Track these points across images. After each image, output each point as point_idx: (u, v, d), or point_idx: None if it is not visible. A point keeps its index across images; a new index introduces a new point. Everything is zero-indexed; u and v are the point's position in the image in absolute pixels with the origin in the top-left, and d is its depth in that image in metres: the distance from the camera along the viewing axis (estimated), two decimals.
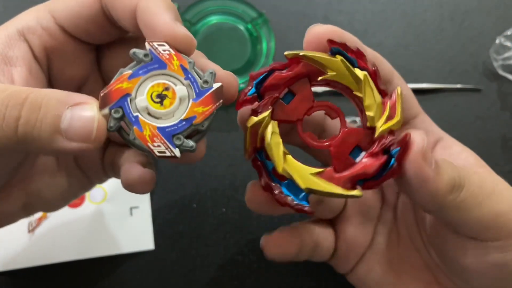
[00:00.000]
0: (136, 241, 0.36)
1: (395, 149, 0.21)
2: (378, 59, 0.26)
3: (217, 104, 0.21)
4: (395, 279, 0.29)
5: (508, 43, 0.42)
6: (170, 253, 0.37)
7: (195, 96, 0.21)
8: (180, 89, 0.21)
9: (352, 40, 0.24)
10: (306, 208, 0.22)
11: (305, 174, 0.22)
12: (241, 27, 0.41)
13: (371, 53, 0.25)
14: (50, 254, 0.35)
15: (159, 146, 0.21)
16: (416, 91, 0.41)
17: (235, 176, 0.39)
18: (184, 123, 0.21)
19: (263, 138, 0.23)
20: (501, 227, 0.23)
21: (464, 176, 0.22)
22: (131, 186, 0.24)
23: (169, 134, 0.21)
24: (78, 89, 0.26)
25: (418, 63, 0.43)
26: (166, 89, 0.21)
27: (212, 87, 0.21)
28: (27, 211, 0.26)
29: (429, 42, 0.43)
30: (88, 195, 0.37)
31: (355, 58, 0.22)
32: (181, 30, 0.21)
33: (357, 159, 0.22)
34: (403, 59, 0.43)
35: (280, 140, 0.23)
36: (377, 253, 0.30)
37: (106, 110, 0.20)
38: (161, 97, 0.21)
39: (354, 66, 0.22)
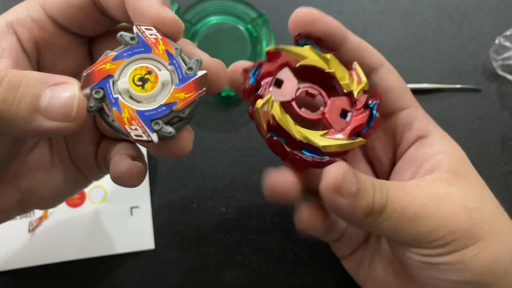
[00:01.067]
0: (136, 241, 0.36)
1: (372, 103, 0.26)
2: (363, 48, 0.27)
3: (199, 92, 0.21)
4: (385, 272, 0.30)
5: (507, 43, 0.42)
6: (170, 253, 0.37)
7: (178, 82, 0.21)
8: (163, 74, 0.21)
9: (331, 24, 0.26)
10: (332, 159, 0.25)
11: (317, 136, 0.25)
12: (241, 27, 0.41)
13: (356, 41, 0.27)
14: (50, 254, 0.35)
15: (136, 129, 0.20)
16: (416, 91, 0.41)
17: (235, 176, 0.39)
18: (164, 108, 0.20)
19: (273, 117, 0.24)
20: (424, 244, 0.24)
21: (386, 201, 0.23)
22: (119, 179, 0.24)
23: (147, 118, 0.20)
24: None
25: (418, 63, 0.43)
26: (149, 72, 0.21)
27: (196, 75, 0.21)
28: (22, 208, 0.26)
29: (429, 42, 0.43)
30: (88, 195, 0.37)
31: (317, 45, 0.27)
32: (169, 14, 0.21)
33: (347, 119, 0.26)
34: (403, 59, 0.43)
35: (287, 114, 0.25)
36: (371, 244, 0.30)
37: (87, 90, 0.20)
38: (143, 81, 0.21)
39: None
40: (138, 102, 0.21)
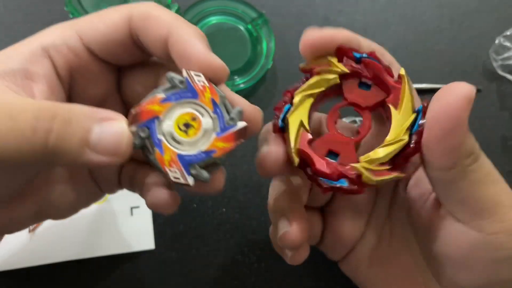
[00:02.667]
0: (136, 241, 0.36)
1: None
2: (381, 50, 0.27)
3: (237, 143, 0.22)
4: (383, 276, 0.30)
5: (507, 43, 0.42)
6: (170, 253, 0.37)
7: (219, 131, 0.22)
8: (207, 122, 0.22)
9: (344, 36, 0.25)
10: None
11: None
12: (241, 27, 0.41)
13: (367, 45, 0.27)
14: (50, 254, 0.35)
15: (175, 172, 0.21)
16: (416, 91, 0.41)
17: (235, 176, 0.39)
18: (203, 155, 0.22)
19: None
20: (498, 220, 0.23)
21: (480, 152, 0.23)
22: (156, 208, 0.25)
23: (186, 162, 0.21)
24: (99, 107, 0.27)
25: (418, 63, 0.43)
26: (193, 119, 0.22)
27: (237, 126, 0.22)
28: (37, 219, 0.26)
29: (429, 42, 0.43)
30: None
31: (286, 102, 0.25)
32: (217, 60, 0.22)
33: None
34: (403, 59, 0.43)
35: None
36: (368, 248, 0.30)
37: (133, 128, 0.21)
38: (187, 126, 0.22)
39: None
40: (180, 144, 0.22)
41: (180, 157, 0.21)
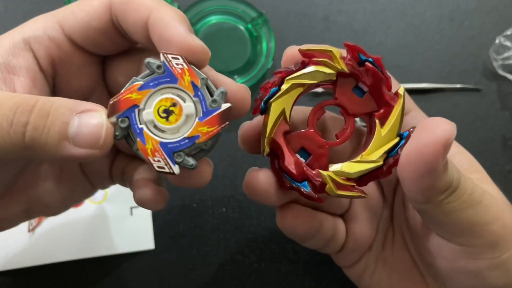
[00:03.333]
0: (136, 241, 0.36)
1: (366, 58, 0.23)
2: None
3: (222, 126, 0.21)
4: (387, 278, 0.30)
5: (508, 43, 0.42)
6: (170, 253, 0.37)
7: (201, 115, 0.21)
8: (188, 106, 0.21)
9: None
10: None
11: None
12: (241, 27, 0.41)
13: None
14: (50, 254, 0.35)
15: (159, 161, 0.21)
16: (416, 91, 0.41)
17: (235, 176, 0.39)
18: (186, 141, 0.21)
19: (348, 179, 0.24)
20: (476, 236, 0.23)
21: (459, 180, 0.22)
22: (144, 204, 0.24)
23: (170, 150, 0.21)
24: (84, 100, 0.26)
25: (418, 63, 0.43)
26: (174, 104, 0.21)
27: (220, 108, 0.21)
28: (28, 216, 0.26)
29: (429, 42, 0.43)
30: None
31: (271, 88, 0.24)
32: (197, 42, 0.21)
33: (365, 89, 0.24)
34: (403, 59, 0.43)
35: (339, 164, 0.24)
36: (375, 251, 0.30)
37: (113, 119, 0.20)
38: (168, 113, 0.21)
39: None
40: (162, 131, 0.21)
41: (163, 145, 0.21)
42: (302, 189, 0.23)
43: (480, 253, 0.23)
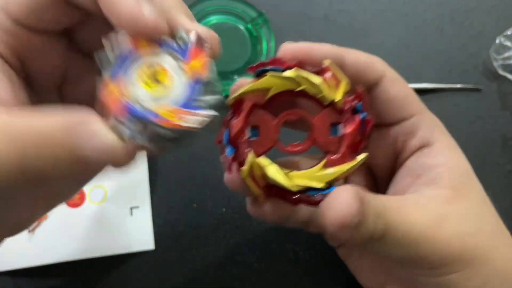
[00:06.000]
0: (136, 241, 0.36)
1: (358, 104, 0.23)
2: (360, 63, 0.25)
3: (207, 52, 0.20)
4: (371, 266, 0.30)
5: (508, 43, 0.42)
6: (170, 253, 0.37)
7: (182, 58, 0.20)
8: (166, 61, 0.20)
9: (326, 51, 0.24)
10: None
11: (315, 175, 0.23)
12: (241, 27, 0.41)
13: (352, 59, 0.25)
14: (49, 254, 0.35)
15: (187, 118, 0.19)
16: (416, 91, 0.41)
17: None
18: (193, 84, 0.19)
19: (263, 176, 0.23)
20: (418, 265, 0.24)
21: (386, 228, 0.22)
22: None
23: (187, 103, 0.19)
24: (63, 80, 0.25)
25: (418, 63, 0.43)
26: (154, 72, 0.19)
27: (190, 39, 0.20)
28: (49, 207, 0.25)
29: (429, 42, 0.43)
30: (88, 195, 0.37)
31: (277, 66, 0.23)
32: (146, 13, 0.19)
33: (339, 133, 0.24)
34: (403, 59, 0.43)
35: (275, 165, 0.23)
36: None
37: (112, 122, 0.19)
38: (157, 81, 0.19)
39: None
40: (166, 97, 0.19)
41: (177, 102, 0.19)
42: (228, 156, 0.23)
43: (425, 275, 0.24)
